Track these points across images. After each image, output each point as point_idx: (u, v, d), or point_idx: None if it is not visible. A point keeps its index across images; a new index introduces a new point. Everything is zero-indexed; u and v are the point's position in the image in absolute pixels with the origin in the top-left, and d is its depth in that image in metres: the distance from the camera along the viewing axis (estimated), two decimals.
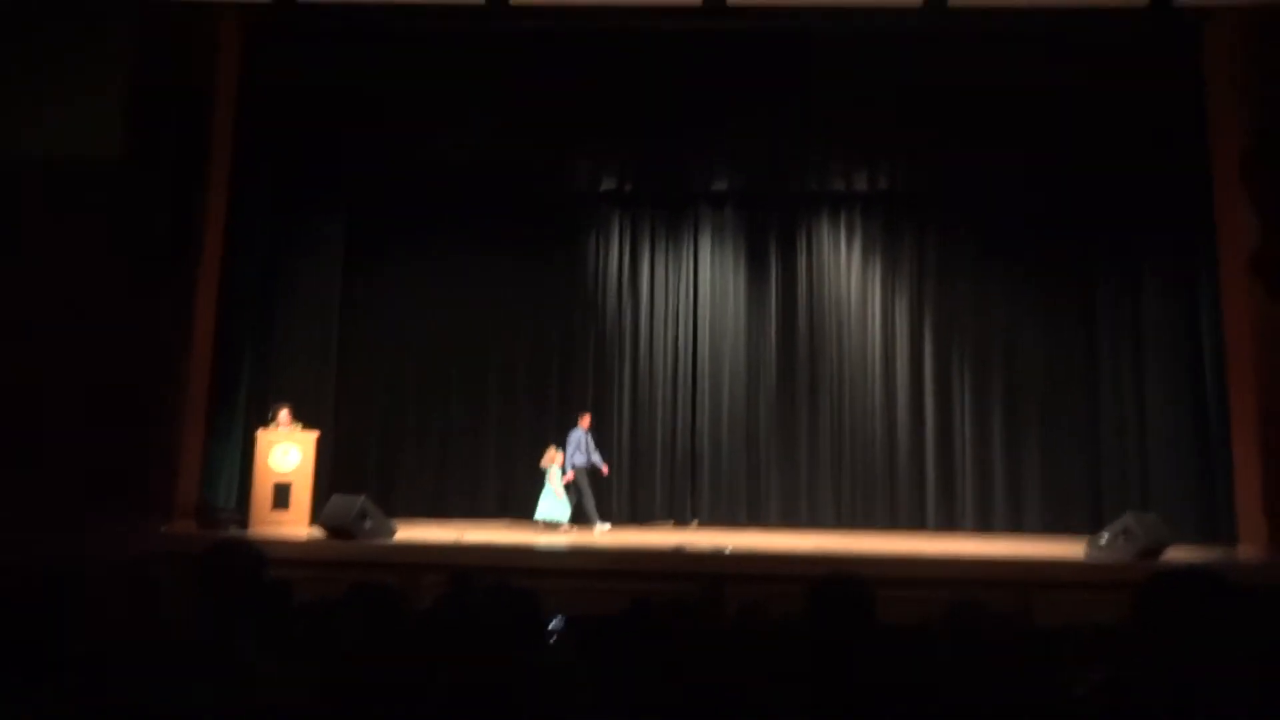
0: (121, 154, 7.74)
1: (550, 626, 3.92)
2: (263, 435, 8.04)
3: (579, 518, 8.96)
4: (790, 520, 9.78)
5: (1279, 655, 2.08)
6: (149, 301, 7.73)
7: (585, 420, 9.25)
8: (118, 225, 7.59)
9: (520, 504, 9.85)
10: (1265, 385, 7.68)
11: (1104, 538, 7.38)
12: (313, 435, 8.14)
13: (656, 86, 8.89)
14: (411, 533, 7.95)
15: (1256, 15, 7.81)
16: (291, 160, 9.03)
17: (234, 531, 7.66)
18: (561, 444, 9.13)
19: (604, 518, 9.15)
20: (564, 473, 8.95)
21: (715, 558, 7.12)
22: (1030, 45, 8.39)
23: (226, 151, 8.47)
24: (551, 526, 8.77)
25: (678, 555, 7.20)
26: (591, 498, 9.05)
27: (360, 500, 7.36)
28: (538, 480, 9.81)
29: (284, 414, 8.21)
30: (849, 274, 10.28)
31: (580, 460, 9.03)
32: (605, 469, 9.25)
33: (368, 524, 7.29)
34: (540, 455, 9.11)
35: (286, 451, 7.96)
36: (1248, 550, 7.67)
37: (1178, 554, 7.13)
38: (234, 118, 8.53)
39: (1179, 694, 2.00)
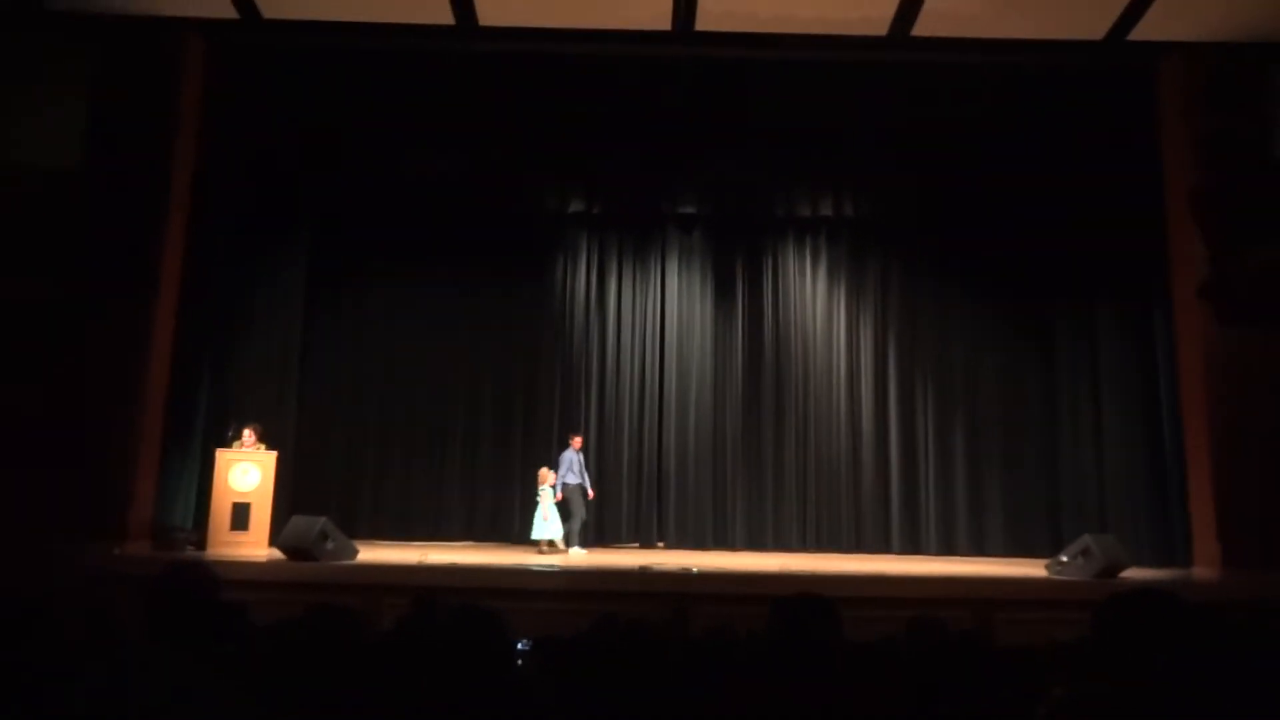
0: (82, 169, 7.62)
1: (519, 647, 3.88)
2: (222, 455, 7.89)
3: (568, 538, 8.92)
4: (756, 543, 9.82)
5: (1231, 670, 2.13)
6: (105, 318, 7.59)
7: (576, 441, 9.27)
8: (75, 240, 7.45)
9: (485, 526, 9.80)
10: (1216, 410, 7.87)
11: (1064, 558, 7.49)
12: (272, 455, 8.00)
13: (625, 109, 8.97)
14: (374, 554, 7.83)
15: (1207, 50, 8.08)
16: (256, 179, 8.96)
17: (190, 553, 7.49)
18: (553, 465, 9.13)
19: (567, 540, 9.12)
20: (555, 493, 8.92)
21: (681, 577, 7.09)
22: (990, 77, 8.61)
23: (189, 169, 8.37)
24: (546, 546, 8.75)
25: (643, 575, 7.17)
26: (580, 519, 9.00)
27: (321, 521, 7.24)
28: (502, 501, 9.81)
29: (248, 434, 8.07)
30: (814, 299, 10.38)
31: (573, 480, 9.03)
32: (591, 494, 9.23)
33: (329, 545, 7.17)
34: (526, 478, 9.26)
35: (246, 471, 7.82)
36: (1202, 572, 7.82)
37: (1135, 574, 7.25)
38: (197, 135, 8.43)
39: (1136, 710, 2.03)
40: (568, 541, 8.91)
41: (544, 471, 9.02)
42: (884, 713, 2.25)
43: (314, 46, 8.48)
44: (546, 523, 8.80)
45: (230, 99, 8.59)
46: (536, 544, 8.80)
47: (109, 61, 7.90)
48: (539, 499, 8.89)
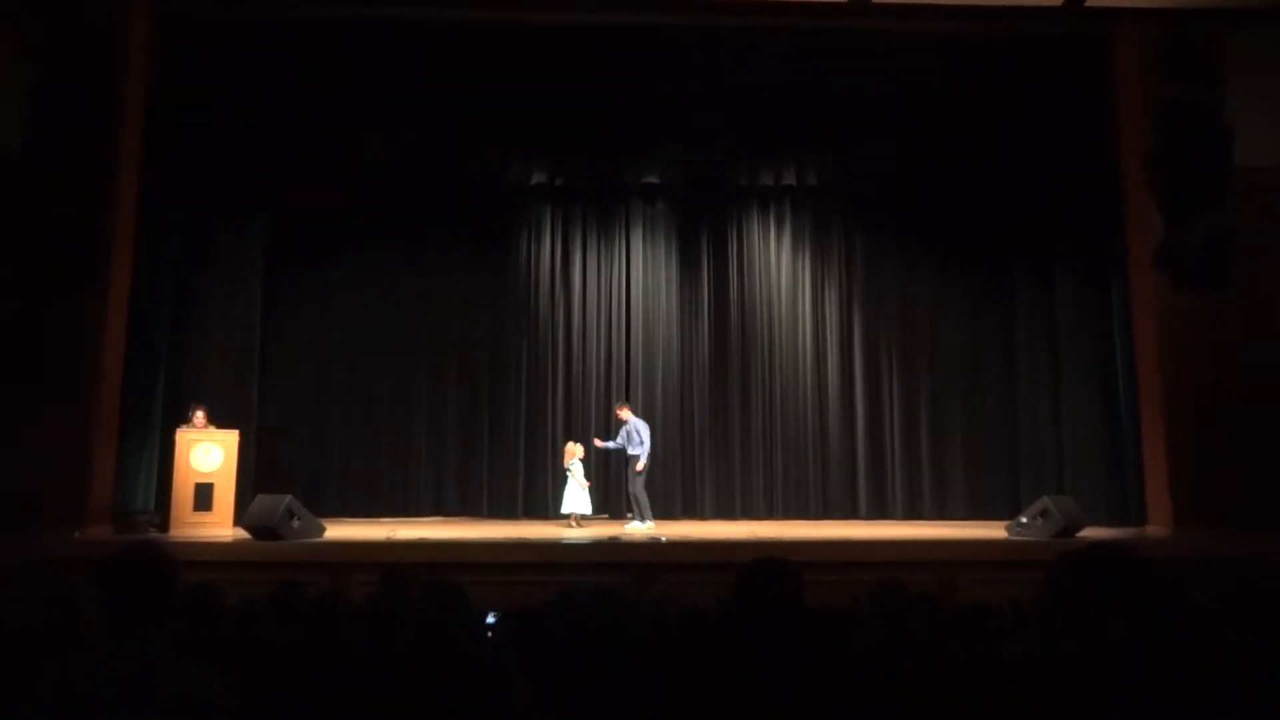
0: (24, 148, 7.40)
1: (489, 620, 3.90)
2: (182, 435, 7.77)
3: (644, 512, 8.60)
4: (725, 512, 9.89)
5: (1182, 622, 2.20)
6: (56, 300, 7.41)
7: (620, 412, 8.94)
8: (21, 222, 7.25)
9: (453, 501, 9.78)
10: (1169, 374, 8.05)
11: (1024, 519, 7.66)
12: (234, 435, 7.90)
13: (587, 80, 8.87)
14: (341, 531, 7.80)
15: (1163, 16, 8.16)
16: (208, 158, 8.72)
17: (152, 535, 7.40)
18: (576, 439, 9.09)
19: (538, 513, 9.05)
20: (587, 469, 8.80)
21: (651, 547, 7.16)
22: (951, 43, 8.63)
23: (137, 145, 8.14)
24: (576, 520, 8.66)
25: (613, 545, 7.22)
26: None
27: (286, 500, 7.18)
28: (470, 476, 9.76)
29: (199, 415, 7.94)
30: (779, 269, 10.41)
31: (632, 449, 8.66)
32: (638, 466, 8.73)
33: (295, 523, 7.11)
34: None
35: (208, 451, 7.70)
36: (1155, 530, 8.04)
37: (1091, 534, 7.44)
38: (145, 111, 8.20)
39: (1088, 664, 2.09)
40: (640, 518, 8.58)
41: (570, 446, 8.90)
42: (848, 673, 2.30)
43: (265, 17, 8.26)
44: (582, 494, 8.67)
45: (179, 74, 8.34)
46: (574, 519, 8.68)
47: (50, 35, 7.63)
48: (569, 473, 8.77)
